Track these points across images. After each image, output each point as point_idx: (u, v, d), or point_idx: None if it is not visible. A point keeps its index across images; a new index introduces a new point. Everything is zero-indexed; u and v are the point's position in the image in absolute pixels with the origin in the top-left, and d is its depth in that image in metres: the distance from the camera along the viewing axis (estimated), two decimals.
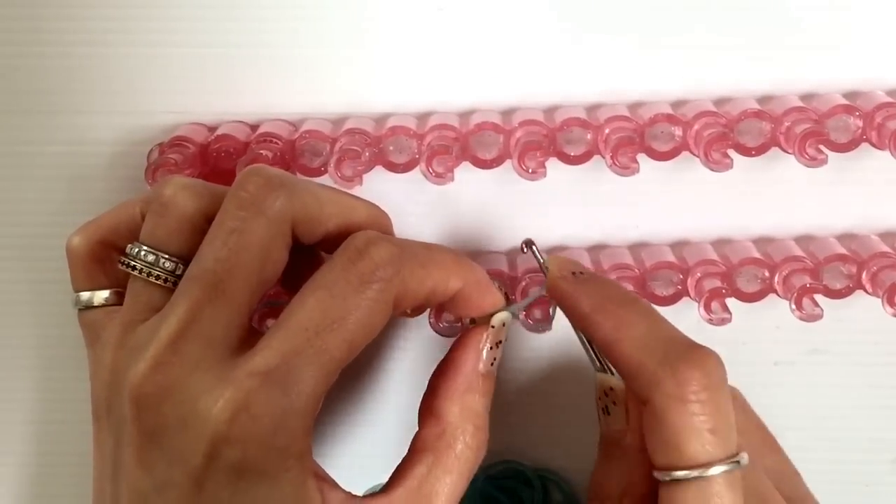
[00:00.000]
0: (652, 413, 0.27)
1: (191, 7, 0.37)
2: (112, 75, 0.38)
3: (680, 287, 0.37)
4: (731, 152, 0.36)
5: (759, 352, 0.40)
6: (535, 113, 0.37)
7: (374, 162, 0.36)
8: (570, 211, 0.39)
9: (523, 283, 0.36)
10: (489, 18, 0.38)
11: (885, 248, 0.37)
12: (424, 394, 0.31)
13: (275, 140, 0.36)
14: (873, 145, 0.36)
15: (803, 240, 0.39)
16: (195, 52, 0.38)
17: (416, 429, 0.31)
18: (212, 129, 0.37)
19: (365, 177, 0.37)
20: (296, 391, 0.26)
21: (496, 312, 0.31)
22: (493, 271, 0.37)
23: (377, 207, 0.33)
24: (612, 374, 0.31)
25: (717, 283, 0.36)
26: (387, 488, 0.30)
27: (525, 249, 0.33)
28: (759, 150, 0.36)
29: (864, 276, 0.37)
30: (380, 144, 0.36)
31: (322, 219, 0.30)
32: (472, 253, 0.39)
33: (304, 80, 0.38)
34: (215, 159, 0.36)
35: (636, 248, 0.39)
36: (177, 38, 0.37)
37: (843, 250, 0.37)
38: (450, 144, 0.36)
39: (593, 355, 0.31)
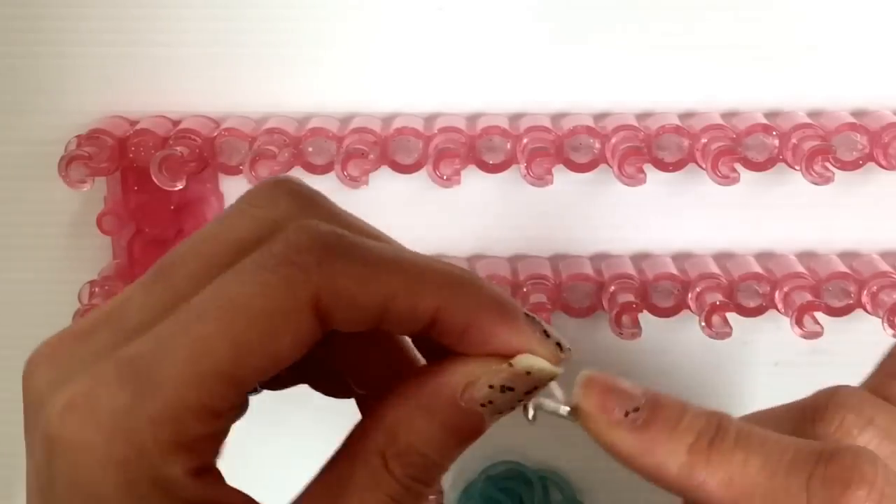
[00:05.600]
0: None
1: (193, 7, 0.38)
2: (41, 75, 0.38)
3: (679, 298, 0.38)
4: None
5: (759, 352, 0.40)
6: (543, 119, 0.37)
7: (292, 163, 0.36)
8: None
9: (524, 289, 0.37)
10: (488, 19, 0.38)
11: (886, 268, 0.37)
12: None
13: (193, 137, 0.36)
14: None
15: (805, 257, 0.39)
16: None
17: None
18: (133, 123, 0.37)
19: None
20: (150, 387, 0.19)
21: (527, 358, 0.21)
22: (495, 277, 0.37)
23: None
24: None
25: (719, 296, 0.37)
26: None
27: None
28: (677, 166, 0.36)
29: (864, 295, 0.37)
30: (299, 145, 0.36)
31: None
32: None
33: (305, 79, 0.38)
34: (133, 153, 0.36)
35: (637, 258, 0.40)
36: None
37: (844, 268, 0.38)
38: (368, 149, 0.36)
39: None
